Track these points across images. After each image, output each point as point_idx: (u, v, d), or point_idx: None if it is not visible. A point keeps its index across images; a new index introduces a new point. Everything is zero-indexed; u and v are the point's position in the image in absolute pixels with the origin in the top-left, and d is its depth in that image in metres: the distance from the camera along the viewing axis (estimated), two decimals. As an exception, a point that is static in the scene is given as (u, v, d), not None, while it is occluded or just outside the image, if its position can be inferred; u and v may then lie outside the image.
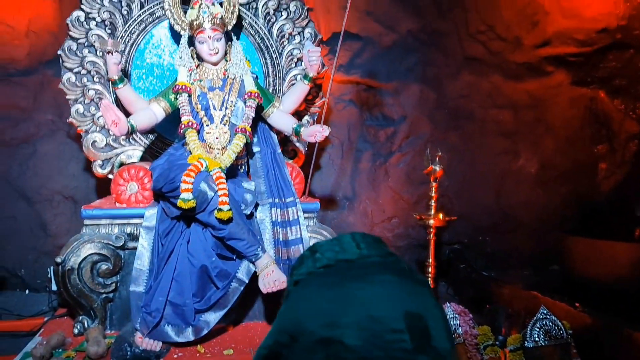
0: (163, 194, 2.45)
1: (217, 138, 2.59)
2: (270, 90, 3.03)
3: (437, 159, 2.98)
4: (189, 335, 2.44)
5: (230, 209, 2.36)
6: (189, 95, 2.63)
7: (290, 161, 3.06)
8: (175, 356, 2.41)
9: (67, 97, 2.85)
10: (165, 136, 2.99)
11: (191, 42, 2.69)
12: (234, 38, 2.81)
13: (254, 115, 2.68)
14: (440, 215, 3.01)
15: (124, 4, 2.85)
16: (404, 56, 3.98)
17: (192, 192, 2.32)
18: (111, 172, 2.92)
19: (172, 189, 2.38)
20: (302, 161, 3.18)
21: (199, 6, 2.57)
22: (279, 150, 2.87)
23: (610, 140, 4.08)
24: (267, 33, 3.04)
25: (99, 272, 2.56)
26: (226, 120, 2.63)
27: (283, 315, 0.69)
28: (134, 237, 2.62)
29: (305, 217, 2.74)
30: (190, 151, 2.53)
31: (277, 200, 2.72)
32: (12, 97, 3.49)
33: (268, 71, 3.08)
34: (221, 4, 2.68)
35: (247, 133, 2.62)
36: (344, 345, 0.61)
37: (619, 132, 4.09)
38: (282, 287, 2.46)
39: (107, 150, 2.92)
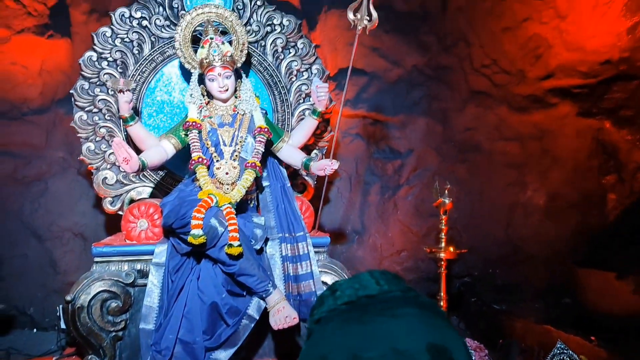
0: (173, 230, 2.46)
1: (227, 173, 2.61)
2: (279, 125, 3.06)
3: (446, 191, 2.99)
4: (199, 373, 2.40)
5: (240, 245, 2.36)
6: (199, 132, 2.66)
7: (299, 195, 3.07)
8: (185, 395, 2.37)
9: (79, 135, 2.89)
10: (175, 172, 3.01)
11: (201, 79, 2.74)
12: (243, 75, 2.85)
13: (263, 150, 2.71)
14: (451, 248, 3.00)
15: (135, 43, 2.92)
16: (409, 90, 4.03)
17: (202, 228, 2.32)
18: (121, 208, 2.93)
19: (183, 225, 2.38)
20: (311, 195, 3.18)
21: (209, 45, 2.62)
22: (289, 184, 2.88)
23: (618, 171, 4.08)
24: (275, 70, 3.09)
25: (109, 310, 2.55)
26: (236, 156, 2.65)
27: (307, 352, 0.69)
28: (144, 274, 2.61)
29: (315, 252, 2.73)
30: (200, 187, 2.54)
31: (287, 235, 2.72)
32: (25, 135, 3.55)
33: (277, 106, 3.12)
34: (230, 43, 2.74)
35: (257, 168, 2.63)
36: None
37: (626, 163, 4.09)
38: (294, 324, 2.44)
39: (118, 187, 2.94)
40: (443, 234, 3.00)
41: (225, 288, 2.47)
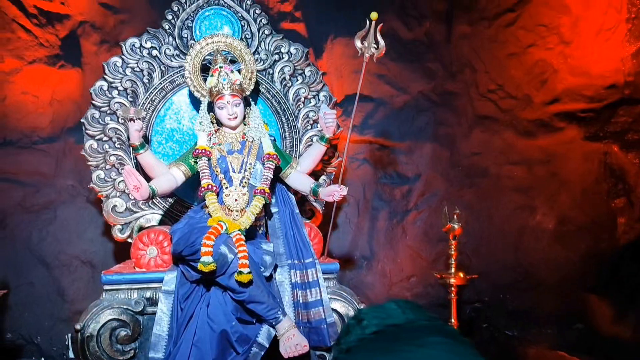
0: (183, 258, 2.45)
1: (236, 200, 2.61)
2: (287, 152, 3.08)
3: (455, 216, 2.98)
4: (208, 403, 2.37)
5: (250, 272, 2.35)
6: (209, 159, 2.68)
7: (308, 221, 3.07)
8: None
9: (89, 163, 2.91)
10: (184, 199, 3.02)
11: (210, 107, 2.77)
12: (252, 102, 2.88)
13: (272, 177, 2.72)
14: (461, 274, 2.97)
15: (145, 73, 2.96)
16: (415, 116, 4.06)
17: (212, 255, 2.32)
18: (130, 236, 2.93)
19: (193, 252, 2.38)
20: (319, 221, 3.18)
21: (219, 73, 2.66)
22: (297, 211, 2.88)
23: (627, 194, 4.06)
24: (283, 97, 3.12)
25: (118, 338, 2.53)
26: (245, 183, 2.66)
27: None
28: (153, 302, 2.60)
29: (325, 278, 2.72)
30: (209, 214, 2.55)
31: (296, 262, 2.71)
32: (35, 164, 3.57)
33: (285, 133, 3.14)
34: (239, 71, 2.77)
35: (266, 194, 2.64)
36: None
37: (635, 186, 4.07)
38: (304, 352, 2.41)
39: (127, 215, 2.95)
40: (453, 259, 2.98)
41: (235, 316, 2.45)
